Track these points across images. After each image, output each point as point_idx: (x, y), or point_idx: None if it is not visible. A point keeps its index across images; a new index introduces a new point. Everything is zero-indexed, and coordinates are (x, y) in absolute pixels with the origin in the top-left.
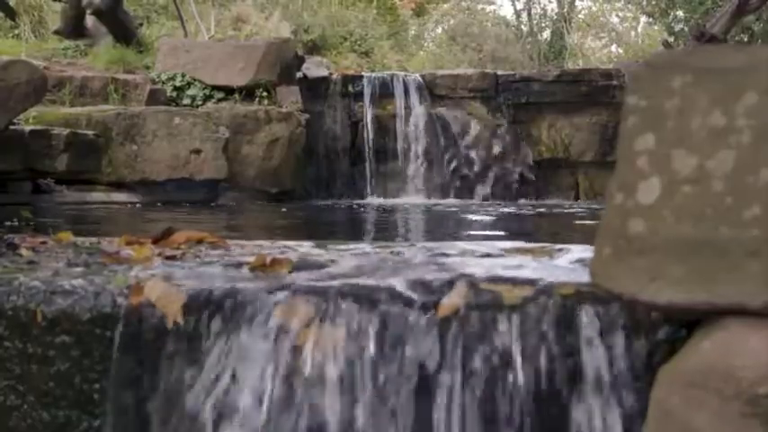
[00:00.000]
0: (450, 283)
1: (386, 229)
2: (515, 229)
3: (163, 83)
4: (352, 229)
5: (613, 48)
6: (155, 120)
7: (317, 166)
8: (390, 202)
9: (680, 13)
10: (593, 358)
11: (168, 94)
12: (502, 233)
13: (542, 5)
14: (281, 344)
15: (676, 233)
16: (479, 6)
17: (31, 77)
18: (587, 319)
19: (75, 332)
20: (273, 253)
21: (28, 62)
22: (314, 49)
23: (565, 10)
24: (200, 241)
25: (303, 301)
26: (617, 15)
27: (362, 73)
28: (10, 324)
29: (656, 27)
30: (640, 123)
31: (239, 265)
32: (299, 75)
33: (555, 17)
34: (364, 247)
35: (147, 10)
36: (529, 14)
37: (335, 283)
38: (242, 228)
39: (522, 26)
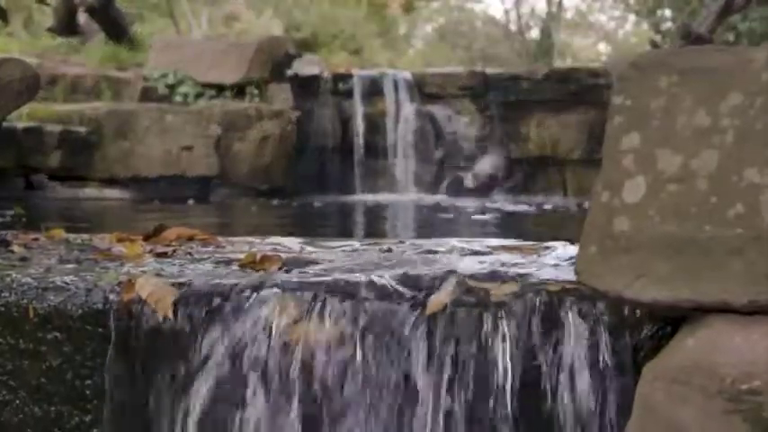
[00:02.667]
0: (438, 280)
1: (375, 225)
2: (503, 226)
3: (155, 80)
4: (342, 226)
5: (601, 46)
6: (147, 117)
7: (308, 163)
8: (380, 198)
9: (667, 12)
10: (579, 355)
11: (161, 92)
12: (490, 230)
13: (531, 4)
14: (271, 340)
15: (661, 231)
16: (468, 5)
17: (24, 75)
18: (573, 316)
19: (66, 328)
20: (264, 250)
21: (21, 60)
22: (305, 47)
23: (553, 9)
24: (191, 238)
25: (293, 298)
26: (605, 14)
27: (353, 71)
28: (2, 320)
29: (644, 26)
30: (626, 123)
31: (230, 261)
32: (290, 72)
33: (543, 16)
34: (354, 243)
35: (140, 7)
36: (518, 13)
37: (325, 279)
38: (233, 224)
39: (511, 25)
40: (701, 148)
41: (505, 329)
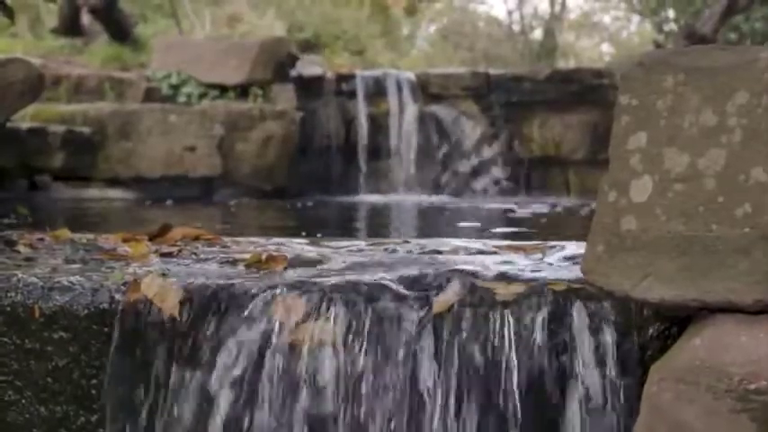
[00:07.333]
0: (443, 280)
1: (379, 225)
2: (508, 226)
3: (159, 80)
4: (346, 226)
5: (605, 47)
6: (150, 117)
7: (311, 163)
8: (384, 199)
9: (670, 13)
10: (585, 354)
11: (164, 92)
12: (494, 230)
13: (534, 5)
14: (277, 340)
15: (668, 231)
16: (471, 6)
17: (28, 76)
18: (579, 315)
19: (72, 328)
20: (268, 250)
21: (25, 60)
22: (307, 47)
23: (556, 9)
24: (196, 238)
25: (298, 298)
26: (608, 15)
27: (355, 71)
28: (8, 320)
29: (648, 26)
30: (633, 122)
31: (235, 261)
32: (293, 73)
33: (546, 17)
34: (358, 243)
35: (142, 8)
36: (521, 14)
37: (330, 279)
38: (237, 225)
39: (514, 25)
40: (708, 147)
41: (512, 329)
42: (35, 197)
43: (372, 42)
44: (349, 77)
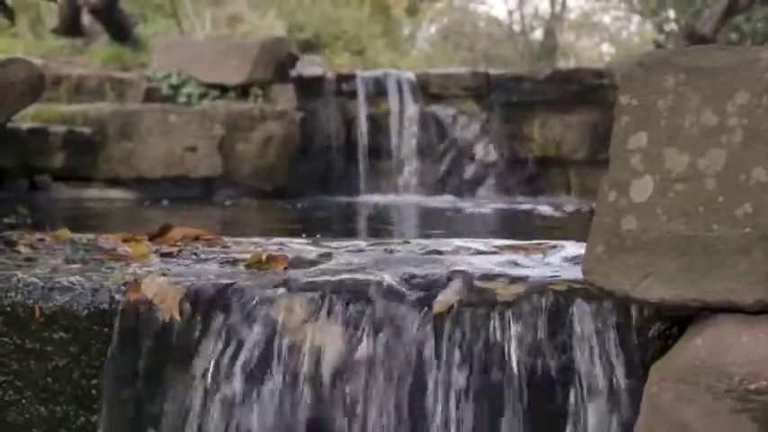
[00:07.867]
0: (444, 280)
1: (380, 226)
2: (508, 226)
3: (159, 81)
4: (347, 227)
5: (605, 47)
6: (150, 117)
7: (312, 163)
8: (384, 199)
9: (671, 13)
10: (586, 355)
11: (164, 92)
12: (495, 230)
13: (534, 5)
14: (278, 340)
15: (668, 231)
16: (471, 6)
17: (29, 76)
18: (580, 315)
19: (72, 328)
20: (269, 250)
21: (26, 60)
22: (308, 47)
23: (557, 9)
24: (196, 238)
25: (299, 298)
26: (608, 15)
27: (356, 72)
28: (8, 320)
29: (647, 26)
30: (633, 122)
31: (235, 261)
32: (293, 73)
33: (547, 17)
34: (359, 243)
35: (143, 8)
36: (521, 14)
37: (331, 279)
38: (237, 225)
39: (514, 26)
40: (709, 147)
41: (512, 330)
42: (35, 197)
43: (373, 42)
44: (349, 78)
